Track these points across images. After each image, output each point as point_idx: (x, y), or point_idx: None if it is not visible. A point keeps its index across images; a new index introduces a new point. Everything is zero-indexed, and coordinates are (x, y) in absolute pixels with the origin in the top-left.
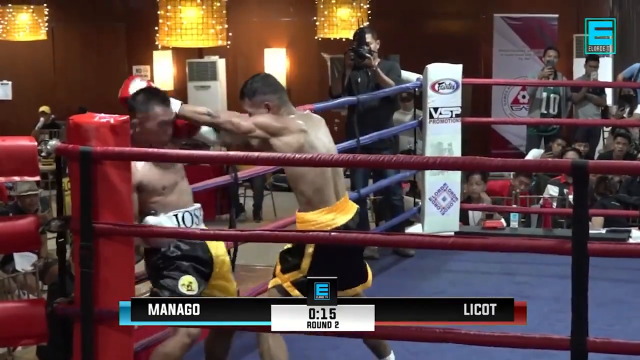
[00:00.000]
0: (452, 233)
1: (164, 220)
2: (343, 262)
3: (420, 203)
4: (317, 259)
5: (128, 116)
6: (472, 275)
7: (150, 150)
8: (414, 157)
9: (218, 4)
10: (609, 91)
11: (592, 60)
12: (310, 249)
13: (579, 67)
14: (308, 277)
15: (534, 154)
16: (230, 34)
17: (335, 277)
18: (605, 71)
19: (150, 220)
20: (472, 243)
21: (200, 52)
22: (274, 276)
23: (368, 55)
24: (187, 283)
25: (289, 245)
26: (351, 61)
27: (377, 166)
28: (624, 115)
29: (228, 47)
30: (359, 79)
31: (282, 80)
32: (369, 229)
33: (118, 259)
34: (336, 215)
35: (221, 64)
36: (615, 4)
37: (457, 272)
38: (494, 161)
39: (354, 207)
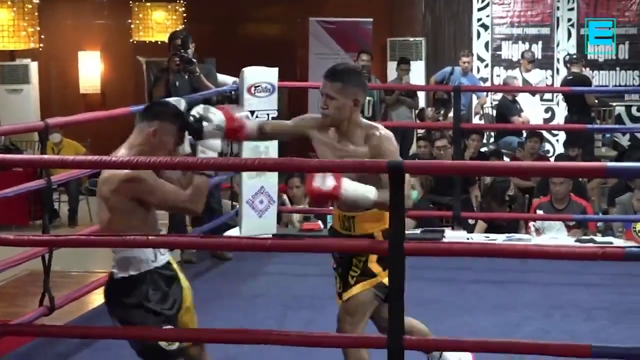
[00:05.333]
0: (270, 235)
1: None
2: None
3: (237, 206)
4: None
5: None
6: (290, 277)
7: None
8: (232, 159)
9: (30, 6)
10: (421, 94)
11: (404, 64)
12: None
13: (392, 71)
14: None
15: None
16: (42, 36)
17: None
18: (417, 74)
19: None
20: (290, 244)
21: (11, 54)
22: (368, 276)
23: (194, 60)
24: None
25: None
26: (177, 66)
27: (193, 169)
28: (440, 118)
29: (40, 49)
30: (177, 83)
31: (97, 83)
32: (185, 232)
33: None
34: None
35: (33, 67)
36: (427, 8)
37: (276, 274)
38: (312, 162)
39: None
